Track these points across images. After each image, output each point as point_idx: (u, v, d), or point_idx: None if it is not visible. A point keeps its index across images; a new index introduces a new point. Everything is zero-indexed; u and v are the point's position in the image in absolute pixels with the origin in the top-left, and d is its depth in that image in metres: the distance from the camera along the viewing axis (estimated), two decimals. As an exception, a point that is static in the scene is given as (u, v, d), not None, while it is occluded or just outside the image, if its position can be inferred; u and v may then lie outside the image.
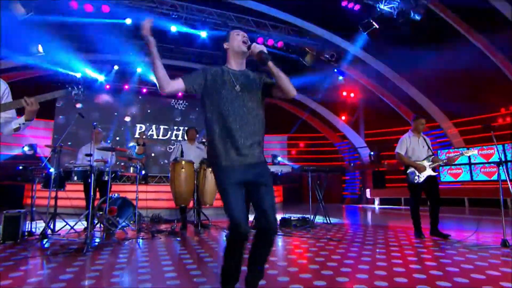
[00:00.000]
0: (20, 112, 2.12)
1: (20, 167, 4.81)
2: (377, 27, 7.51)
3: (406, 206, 10.04)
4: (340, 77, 11.21)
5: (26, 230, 4.12)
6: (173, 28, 8.18)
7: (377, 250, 3.45)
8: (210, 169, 4.91)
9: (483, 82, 9.06)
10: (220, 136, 1.92)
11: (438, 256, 3.19)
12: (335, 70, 10.24)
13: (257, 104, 2.03)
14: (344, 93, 12.77)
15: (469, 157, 9.62)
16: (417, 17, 7.14)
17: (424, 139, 4.46)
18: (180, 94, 12.22)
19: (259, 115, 2.02)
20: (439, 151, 10.09)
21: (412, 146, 4.42)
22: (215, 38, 8.72)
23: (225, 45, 2.10)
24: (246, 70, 2.12)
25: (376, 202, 11.41)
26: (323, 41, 9.20)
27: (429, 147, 4.43)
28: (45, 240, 3.76)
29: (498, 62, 8.38)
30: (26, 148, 9.20)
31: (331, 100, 12.86)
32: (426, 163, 4.31)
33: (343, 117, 13.19)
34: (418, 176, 4.29)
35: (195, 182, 4.94)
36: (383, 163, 11.83)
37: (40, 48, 8.57)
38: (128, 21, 7.65)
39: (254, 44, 1.95)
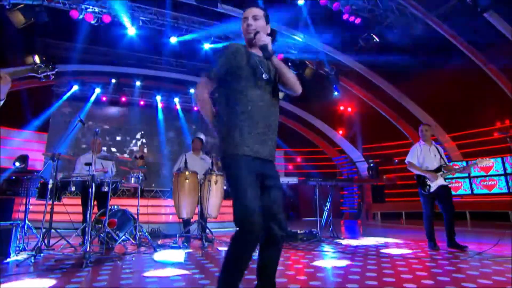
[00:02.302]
0: None
1: (13, 178, 4.53)
2: (377, 40, 7.59)
3: (407, 220, 9.90)
4: (336, 93, 11.25)
5: (17, 245, 3.83)
6: (173, 40, 8.09)
7: (397, 263, 3.27)
8: (214, 181, 4.73)
9: (481, 96, 9.18)
10: (239, 124, 1.75)
11: (462, 267, 3.02)
12: (334, 86, 10.28)
13: (276, 98, 1.92)
14: (342, 107, 12.84)
15: (472, 165, 9.60)
16: (416, 32, 7.26)
17: (436, 148, 4.38)
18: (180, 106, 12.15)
19: (277, 110, 1.94)
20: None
21: (423, 155, 4.33)
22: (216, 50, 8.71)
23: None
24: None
25: (378, 216, 11.24)
26: (323, 55, 9.26)
27: (441, 156, 4.33)
28: (39, 254, 3.48)
29: (493, 76, 8.51)
30: (17, 164, 8.82)
31: (329, 113, 12.90)
32: (438, 173, 4.20)
33: (341, 131, 13.19)
34: (429, 185, 4.18)
35: (199, 193, 4.74)
36: (382, 177, 11.74)
37: (37, 59, 8.41)
38: (132, 31, 7.55)
39: (260, 34, 1.78)
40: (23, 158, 8.80)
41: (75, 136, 10.53)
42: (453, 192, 10.13)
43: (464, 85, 9.19)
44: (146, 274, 2.86)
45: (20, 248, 3.79)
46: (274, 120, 1.87)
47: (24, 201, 4.30)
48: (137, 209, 4.37)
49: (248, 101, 1.77)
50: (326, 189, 5.75)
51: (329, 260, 3.52)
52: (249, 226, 1.56)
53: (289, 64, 9.34)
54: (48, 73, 2.13)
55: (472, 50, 8.26)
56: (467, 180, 9.89)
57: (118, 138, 11.61)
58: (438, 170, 4.23)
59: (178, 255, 3.85)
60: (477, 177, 9.66)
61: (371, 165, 11.98)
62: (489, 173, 9.43)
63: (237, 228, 1.59)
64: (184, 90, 11.73)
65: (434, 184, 4.18)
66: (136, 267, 3.16)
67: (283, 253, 3.96)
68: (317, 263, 3.35)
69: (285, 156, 14.61)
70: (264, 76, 1.81)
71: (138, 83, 10.94)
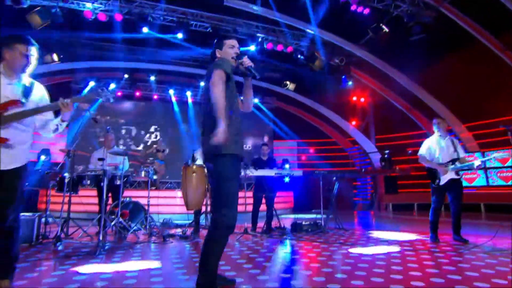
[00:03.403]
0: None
1: (40, 171, 4.89)
2: (387, 30, 7.47)
3: (420, 212, 9.84)
4: (350, 82, 11.16)
5: (41, 233, 4.18)
6: (180, 35, 8.22)
7: (392, 255, 3.37)
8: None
9: (497, 84, 8.88)
10: (231, 126, 1.96)
11: (456, 260, 3.09)
12: (344, 76, 10.18)
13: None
14: (354, 98, 12.72)
15: (485, 161, 9.40)
16: (428, 20, 7.09)
17: (452, 141, 4.34)
18: (191, 99, 12.38)
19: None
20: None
21: (436, 148, 4.33)
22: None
23: (218, 54, 2.21)
24: None
25: (389, 207, 11.20)
26: (332, 46, 9.19)
27: (456, 150, 4.28)
28: (59, 243, 3.81)
29: (510, 62, 8.19)
30: (43, 157, 9.31)
31: (341, 105, 12.81)
32: (449, 166, 4.17)
33: (354, 122, 13.08)
34: (439, 179, 4.18)
35: (206, 186, 4.94)
36: (395, 168, 11.63)
37: (55, 57, 8.80)
38: (145, 29, 7.77)
39: (246, 57, 2.10)
40: (46, 152, 9.33)
41: (92, 131, 11.01)
42: (468, 184, 9.97)
43: (479, 73, 8.91)
44: (152, 262, 3.10)
45: (43, 236, 4.14)
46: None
47: (46, 193, 4.66)
48: (148, 201, 4.63)
49: (236, 107, 2.13)
50: (333, 181, 5.83)
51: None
52: (230, 230, 1.97)
53: (299, 56, 9.33)
54: (109, 97, 2.37)
55: (488, 36, 7.97)
56: (481, 171, 9.68)
57: (133, 132, 12.03)
58: (451, 163, 4.20)
59: (185, 244, 4.10)
60: (493, 168, 9.43)
61: (385, 156, 11.87)
62: (506, 164, 9.19)
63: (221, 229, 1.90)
64: (194, 84, 11.97)
65: (444, 178, 4.17)
66: (144, 256, 3.41)
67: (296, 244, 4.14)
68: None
69: (298, 147, 14.67)
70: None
71: (152, 78, 11.23)
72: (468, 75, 9.09)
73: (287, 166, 12.89)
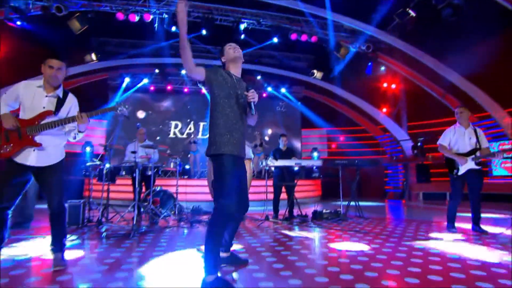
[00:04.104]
0: None
1: (84, 162, 5.52)
2: (414, 15, 7.19)
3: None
4: (382, 67, 10.87)
5: (86, 217, 4.77)
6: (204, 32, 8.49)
7: (402, 243, 3.48)
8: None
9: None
10: (225, 128, 2.24)
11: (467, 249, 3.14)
12: (370, 63, 9.94)
13: (245, 108, 2.41)
14: (385, 85, 12.36)
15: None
16: (459, 1, 6.72)
17: (475, 131, 4.26)
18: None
19: (245, 118, 2.45)
20: (493, 143, 9.34)
21: (456, 137, 4.27)
22: (252, 36, 9.03)
23: (223, 59, 2.47)
24: (240, 77, 2.49)
25: (420, 196, 10.93)
26: (358, 33, 9.00)
27: (478, 140, 4.21)
28: (101, 226, 4.35)
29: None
30: (88, 149, 10.23)
31: (371, 92, 12.52)
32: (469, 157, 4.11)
33: (384, 109, 12.75)
34: (458, 169, 4.14)
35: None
36: (427, 156, 11.25)
37: (94, 56, 9.54)
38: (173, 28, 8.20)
39: (251, 91, 2.31)
40: (90, 144, 10.23)
41: (130, 124, 11.81)
42: (507, 173, 9.42)
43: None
44: (177, 245, 3.50)
45: (88, 220, 4.73)
46: (245, 126, 2.53)
47: (89, 182, 5.25)
48: (176, 189, 5.06)
49: (231, 110, 2.41)
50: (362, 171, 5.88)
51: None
52: (231, 215, 2.27)
53: (324, 45, 9.27)
54: (123, 109, 2.75)
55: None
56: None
57: (169, 125, 12.73)
58: (471, 153, 4.14)
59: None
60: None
61: (418, 143, 11.50)
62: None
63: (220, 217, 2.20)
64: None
65: (463, 168, 4.13)
66: (171, 240, 3.82)
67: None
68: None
69: (328, 135, 14.64)
70: (239, 91, 2.44)
71: (183, 72, 11.72)
72: (509, 56, 8.49)
73: (315, 154, 13.05)
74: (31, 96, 2.54)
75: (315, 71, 11.44)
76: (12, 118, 2.45)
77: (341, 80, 12.24)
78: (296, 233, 4.23)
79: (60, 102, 2.62)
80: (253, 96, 2.26)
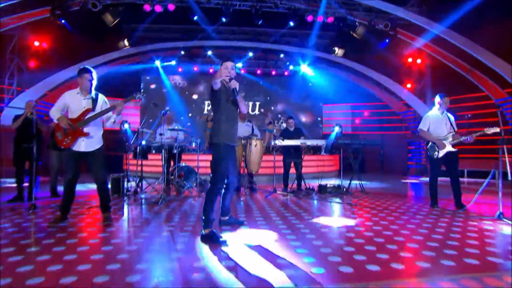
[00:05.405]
0: None
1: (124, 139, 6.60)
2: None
3: (469, 179, 9.65)
4: (418, 43, 10.70)
5: (125, 188, 5.79)
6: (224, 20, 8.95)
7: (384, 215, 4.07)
8: (254, 144, 5.82)
9: None
10: (225, 124, 2.96)
11: (440, 222, 3.68)
12: (387, 39, 9.90)
13: (236, 104, 3.09)
14: (409, 60, 12.18)
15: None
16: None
17: (448, 117, 4.60)
18: (243, 71, 13.32)
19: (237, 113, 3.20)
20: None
21: (435, 122, 4.63)
22: (268, 18, 9.38)
23: (219, 68, 3.07)
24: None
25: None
26: (376, 11, 8.99)
27: (452, 125, 4.56)
28: (137, 194, 5.35)
29: None
30: (126, 126, 11.44)
31: (394, 68, 12.42)
32: (447, 140, 4.49)
33: (409, 85, 12.63)
34: (438, 151, 4.53)
35: (243, 153, 5.95)
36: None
37: (126, 42, 10.44)
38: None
39: (233, 81, 2.90)
40: (126, 122, 11.38)
41: (159, 109, 12.88)
42: None
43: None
44: (195, 211, 4.36)
45: (126, 190, 5.76)
46: (237, 123, 3.28)
47: (126, 158, 6.27)
48: (197, 164, 5.93)
49: (228, 110, 3.15)
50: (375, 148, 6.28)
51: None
52: (223, 184, 3.06)
53: (340, 25, 9.38)
54: (140, 96, 3.76)
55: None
56: None
57: (195, 104, 13.65)
58: (449, 137, 4.50)
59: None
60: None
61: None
62: None
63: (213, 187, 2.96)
64: (244, 54, 12.79)
65: (442, 151, 4.51)
66: (192, 208, 4.71)
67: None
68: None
69: (352, 110, 14.86)
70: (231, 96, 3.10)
71: (209, 52, 12.37)
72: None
73: (336, 129, 13.38)
74: (74, 100, 3.50)
75: (336, 48, 11.56)
76: (65, 119, 3.41)
77: (363, 57, 12.24)
78: (298, 201, 4.94)
79: (94, 101, 3.55)
80: (234, 83, 2.90)
